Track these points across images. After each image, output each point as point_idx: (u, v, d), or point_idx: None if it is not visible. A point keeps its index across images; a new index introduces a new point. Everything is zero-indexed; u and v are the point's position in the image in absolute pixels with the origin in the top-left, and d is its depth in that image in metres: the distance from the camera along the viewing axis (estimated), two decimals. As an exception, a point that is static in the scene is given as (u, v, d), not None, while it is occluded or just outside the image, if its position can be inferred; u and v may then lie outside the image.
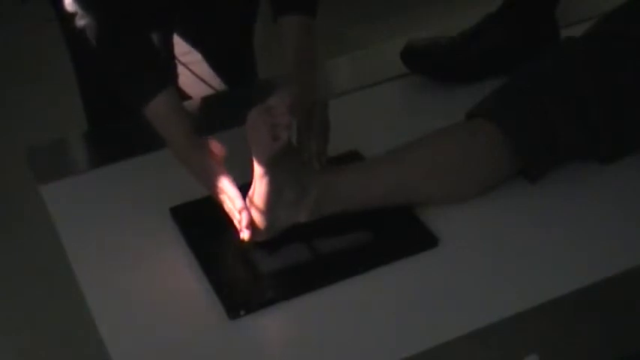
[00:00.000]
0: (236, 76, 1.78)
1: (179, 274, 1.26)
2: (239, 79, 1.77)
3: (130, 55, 1.32)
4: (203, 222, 1.32)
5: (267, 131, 1.19)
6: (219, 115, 1.58)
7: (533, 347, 1.13)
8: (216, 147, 1.27)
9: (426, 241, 1.27)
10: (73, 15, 1.32)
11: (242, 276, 1.25)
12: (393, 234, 1.29)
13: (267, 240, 1.26)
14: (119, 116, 1.56)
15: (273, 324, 1.19)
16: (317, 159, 1.31)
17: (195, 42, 1.74)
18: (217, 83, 1.76)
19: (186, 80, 1.72)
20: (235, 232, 1.25)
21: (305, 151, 1.31)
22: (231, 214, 1.26)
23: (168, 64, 1.61)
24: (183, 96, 1.70)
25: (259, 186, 1.23)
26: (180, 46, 1.73)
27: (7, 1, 3.46)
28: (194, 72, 1.75)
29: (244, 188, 1.26)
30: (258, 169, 1.22)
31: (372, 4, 3.44)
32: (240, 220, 1.23)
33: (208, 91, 1.74)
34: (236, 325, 1.17)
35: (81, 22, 1.31)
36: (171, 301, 1.22)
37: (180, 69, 1.75)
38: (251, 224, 1.24)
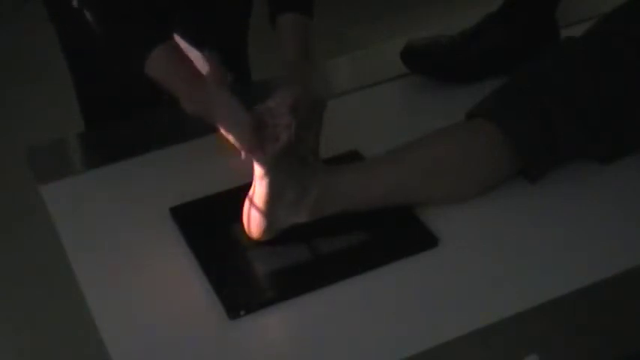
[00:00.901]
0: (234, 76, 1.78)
1: (179, 274, 1.26)
2: (236, 79, 1.77)
3: (126, 18, 1.32)
4: (203, 222, 1.32)
5: (268, 132, 1.19)
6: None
7: (533, 347, 1.13)
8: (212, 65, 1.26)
9: (426, 241, 1.27)
10: (67, 12, 1.33)
11: (242, 276, 1.25)
12: (393, 234, 1.29)
13: (267, 240, 1.27)
14: (116, 116, 1.56)
15: (273, 324, 1.19)
16: (315, 157, 1.32)
17: (194, 41, 1.73)
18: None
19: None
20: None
21: (305, 149, 1.31)
22: (241, 133, 1.22)
23: (166, 23, 1.60)
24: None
25: (259, 187, 1.23)
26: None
27: (7, 1, 3.46)
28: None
29: (244, 188, 1.26)
30: (258, 170, 1.22)
31: (372, 4, 3.44)
32: (247, 135, 1.20)
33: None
34: (236, 325, 1.17)
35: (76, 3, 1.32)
36: (172, 301, 1.22)
37: None
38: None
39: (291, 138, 1.20)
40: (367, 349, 1.14)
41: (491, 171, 1.33)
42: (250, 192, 1.25)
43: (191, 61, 1.33)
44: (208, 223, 1.32)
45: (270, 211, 1.24)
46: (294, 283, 1.23)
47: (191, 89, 1.29)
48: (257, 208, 1.24)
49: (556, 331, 1.16)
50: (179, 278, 1.25)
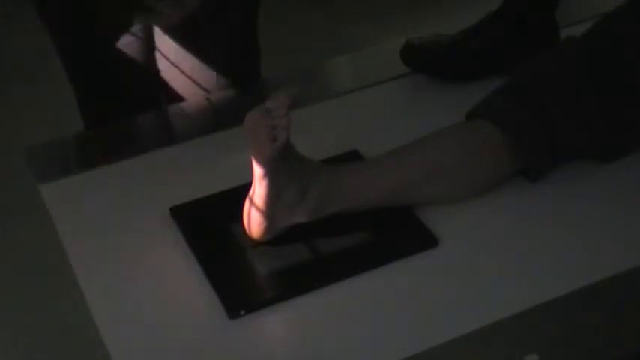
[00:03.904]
0: (239, 74, 1.75)
1: (179, 274, 1.26)
2: (242, 77, 1.75)
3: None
4: (203, 222, 1.32)
5: (266, 133, 1.18)
6: (219, 115, 1.58)
7: (533, 347, 1.13)
8: None
9: (426, 241, 1.27)
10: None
11: (242, 276, 1.25)
12: (393, 234, 1.29)
13: (267, 240, 1.27)
14: (114, 116, 1.56)
15: (273, 324, 1.19)
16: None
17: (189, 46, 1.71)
18: (211, 85, 1.73)
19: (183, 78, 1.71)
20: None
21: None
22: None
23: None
24: (177, 98, 1.68)
25: (259, 188, 1.23)
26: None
27: (7, 1, 3.46)
28: (185, 72, 1.73)
29: (244, 188, 1.26)
30: (257, 171, 1.22)
31: (372, 4, 3.44)
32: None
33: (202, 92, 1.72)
34: (236, 325, 1.17)
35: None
36: (172, 301, 1.22)
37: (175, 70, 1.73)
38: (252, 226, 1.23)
39: (289, 138, 1.20)
40: (367, 349, 1.13)
41: (491, 171, 1.33)
42: (250, 192, 1.25)
43: None
44: (208, 223, 1.32)
45: (270, 211, 1.24)
46: (294, 283, 1.23)
47: None
48: (257, 209, 1.24)
49: (556, 331, 1.16)
50: (179, 278, 1.25)
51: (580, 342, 1.15)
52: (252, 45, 1.76)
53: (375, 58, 1.74)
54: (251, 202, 1.25)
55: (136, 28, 1.63)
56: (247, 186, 1.26)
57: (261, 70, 1.80)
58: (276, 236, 1.26)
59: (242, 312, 1.18)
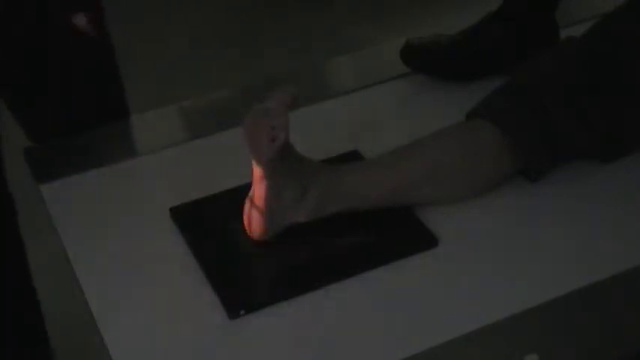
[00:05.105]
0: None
1: (179, 274, 1.26)
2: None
3: None
4: (203, 222, 1.32)
5: (265, 133, 1.18)
6: (219, 115, 1.58)
7: (533, 347, 1.13)
8: None
9: (426, 241, 1.27)
10: None
11: (242, 276, 1.25)
12: (393, 234, 1.29)
13: (267, 240, 1.27)
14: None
15: (273, 324, 1.19)
16: None
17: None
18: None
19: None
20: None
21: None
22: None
23: None
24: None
25: (259, 188, 1.23)
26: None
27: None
28: None
29: (244, 188, 1.26)
30: (257, 171, 1.22)
31: (372, 4, 3.44)
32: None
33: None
34: (236, 325, 1.17)
35: None
36: (172, 301, 1.22)
37: None
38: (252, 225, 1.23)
39: (288, 138, 1.20)
40: (367, 349, 1.14)
41: (491, 171, 1.33)
42: (250, 192, 1.25)
43: None
44: (208, 223, 1.32)
45: (270, 211, 1.24)
46: (294, 283, 1.23)
47: None
48: (257, 209, 1.24)
49: (556, 331, 1.16)
50: (179, 278, 1.25)
51: (580, 342, 1.15)
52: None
53: (375, 58, 1.74)
54: (251, 202, 1.25)
55: None
56: (247, 186, 1.26)
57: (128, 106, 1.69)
58: (276, 236, 1.27)
59: (242, 312, 1.18)
